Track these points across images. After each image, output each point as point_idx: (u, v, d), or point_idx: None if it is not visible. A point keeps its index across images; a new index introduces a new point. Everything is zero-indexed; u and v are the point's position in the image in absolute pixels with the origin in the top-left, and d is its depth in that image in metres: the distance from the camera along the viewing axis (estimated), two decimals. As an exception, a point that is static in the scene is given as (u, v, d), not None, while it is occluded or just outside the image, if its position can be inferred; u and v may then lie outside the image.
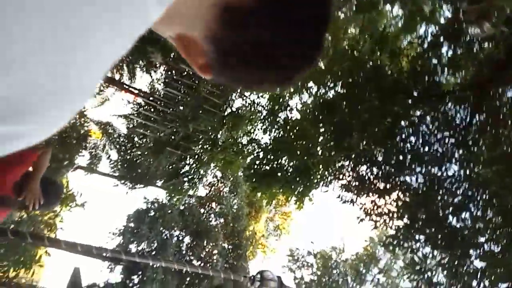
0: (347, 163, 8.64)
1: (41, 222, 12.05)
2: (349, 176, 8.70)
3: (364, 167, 8.42)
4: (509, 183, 6.36)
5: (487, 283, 7.53)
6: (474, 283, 7.65)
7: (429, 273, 8.39)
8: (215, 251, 13.35)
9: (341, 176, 8.82)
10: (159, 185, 12.19)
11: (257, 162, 10.05)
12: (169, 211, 12.41)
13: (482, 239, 7.54)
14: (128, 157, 10.60)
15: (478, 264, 7.68)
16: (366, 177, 8.37)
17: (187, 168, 10.80)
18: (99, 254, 11.66)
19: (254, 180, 10.03)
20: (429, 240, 8.05)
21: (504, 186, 6.46)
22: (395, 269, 11.04)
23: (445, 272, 8.10)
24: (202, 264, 13.60)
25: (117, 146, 10.65)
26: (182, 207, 12.89)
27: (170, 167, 10.31)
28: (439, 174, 7.36)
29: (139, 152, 10.19)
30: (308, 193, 9.76)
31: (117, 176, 11.59)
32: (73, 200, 11.04)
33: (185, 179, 10.77)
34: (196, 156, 10.24)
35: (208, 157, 9.88)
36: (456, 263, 7.79)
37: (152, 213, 12.71)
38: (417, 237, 8.27)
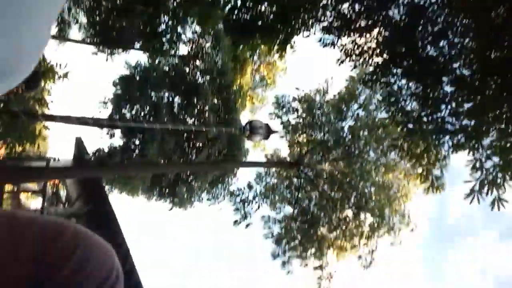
0: (329, 1, 8.28)
1: (30, 99, 12.09)
2: (330, 16, 8.48)
3: (346, 5, 8.13)
4: (491, 3, 6.34)
5: (454, 105, 8.34)
6: (443, 106, 8.48)
7: (403, 103, 9.18)
8: (206, 108, 14.00)
9: (322, 18, 8.58)
10: (138, 48, 11.78)
11: (236, 12, 9.54)
12: (154, 73, 12.39)
13: (455, 65, 7.98)
14: (97, 18, 9.85)
15: (448, 89, 8.34)
16: (348, 16, 8.18)
17: (163, 27, 10.25)
18: (96, 123, 12.18)
19: (234, 32, 9.74)
20: (405, 73, 8.48)
21: (485, 7, 6.46)
22: (373, 103, 12.00)
23: (417, 100, 8.85)
24: (195, 121, 14.48)
25: (83, 7, 9.75)
26: (166, 68, 12.82)
27: (146, 27, 9.74)
28: (421, 2, 7.22)
29: (107, 12, 9.43)
30: (290, 40, 9.67)
31: (93, 42, 11.03)
32: (54, 72, 10.83)
33: (164, 39, 10.36)
34: (170, 13, 9.57)
35: (183, 12, 9.26)
36: (428, 90, 8.42)
37: (137, 78, 12.69)
38: (394, 71, 8.69)
